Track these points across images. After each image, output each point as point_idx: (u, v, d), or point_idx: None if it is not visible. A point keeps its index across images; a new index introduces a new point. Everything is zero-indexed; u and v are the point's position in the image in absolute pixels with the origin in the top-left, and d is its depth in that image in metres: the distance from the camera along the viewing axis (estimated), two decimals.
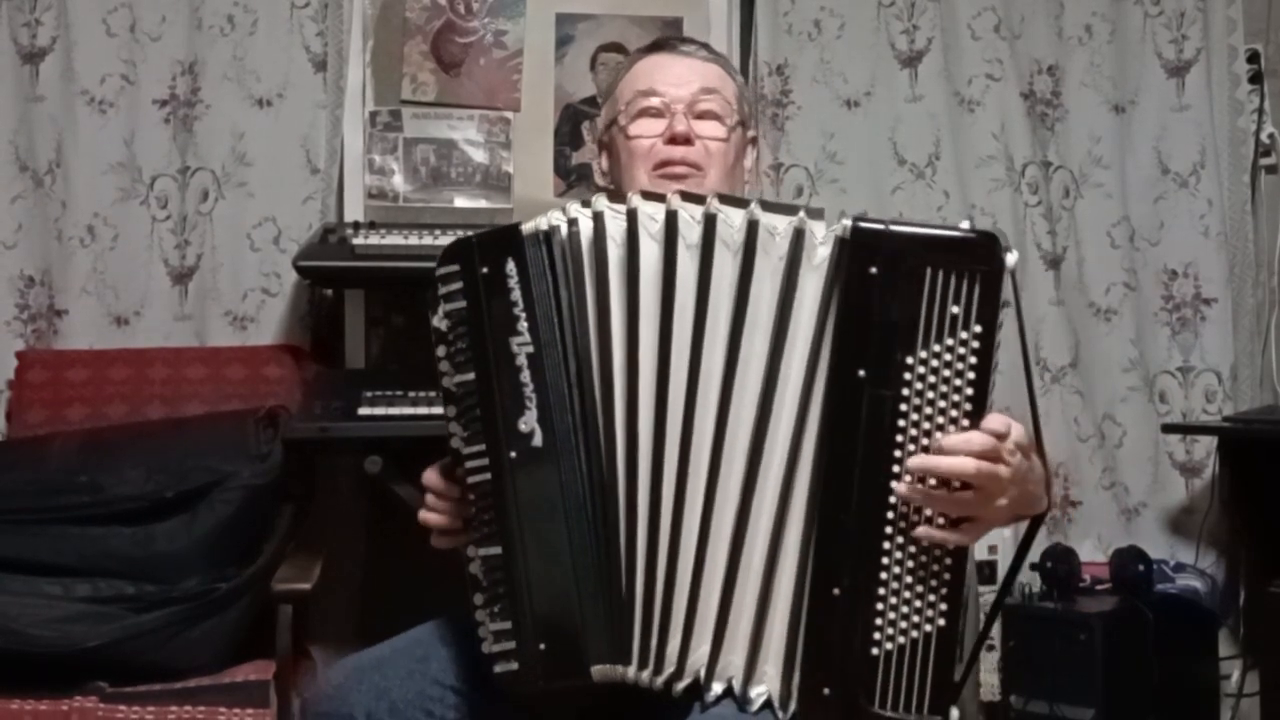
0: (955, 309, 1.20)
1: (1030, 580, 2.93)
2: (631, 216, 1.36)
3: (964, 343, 1.21)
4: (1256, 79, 3.19)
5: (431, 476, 1.53)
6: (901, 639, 1.26)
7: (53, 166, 2.83)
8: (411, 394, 2.45)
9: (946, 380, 1.22)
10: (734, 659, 1.35)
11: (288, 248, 2.84)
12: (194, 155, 2.88)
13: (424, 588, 2.59)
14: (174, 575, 2.28)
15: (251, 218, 2.88)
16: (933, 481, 1.24)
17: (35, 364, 2.75)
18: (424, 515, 1.54)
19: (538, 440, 1.38)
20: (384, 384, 2.50)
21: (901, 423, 1.23)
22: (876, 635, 1.27)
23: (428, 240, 2.56)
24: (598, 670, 1.39)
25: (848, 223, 1.27)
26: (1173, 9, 3.18)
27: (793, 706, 1.33)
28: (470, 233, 1.48)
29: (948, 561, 1.25)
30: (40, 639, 2.17)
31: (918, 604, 1.26)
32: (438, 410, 2.36)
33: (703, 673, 1.36)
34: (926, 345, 1.22)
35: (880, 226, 1.26)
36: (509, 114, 2.92)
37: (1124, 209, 3.19)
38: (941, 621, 1.25)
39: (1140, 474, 3.16)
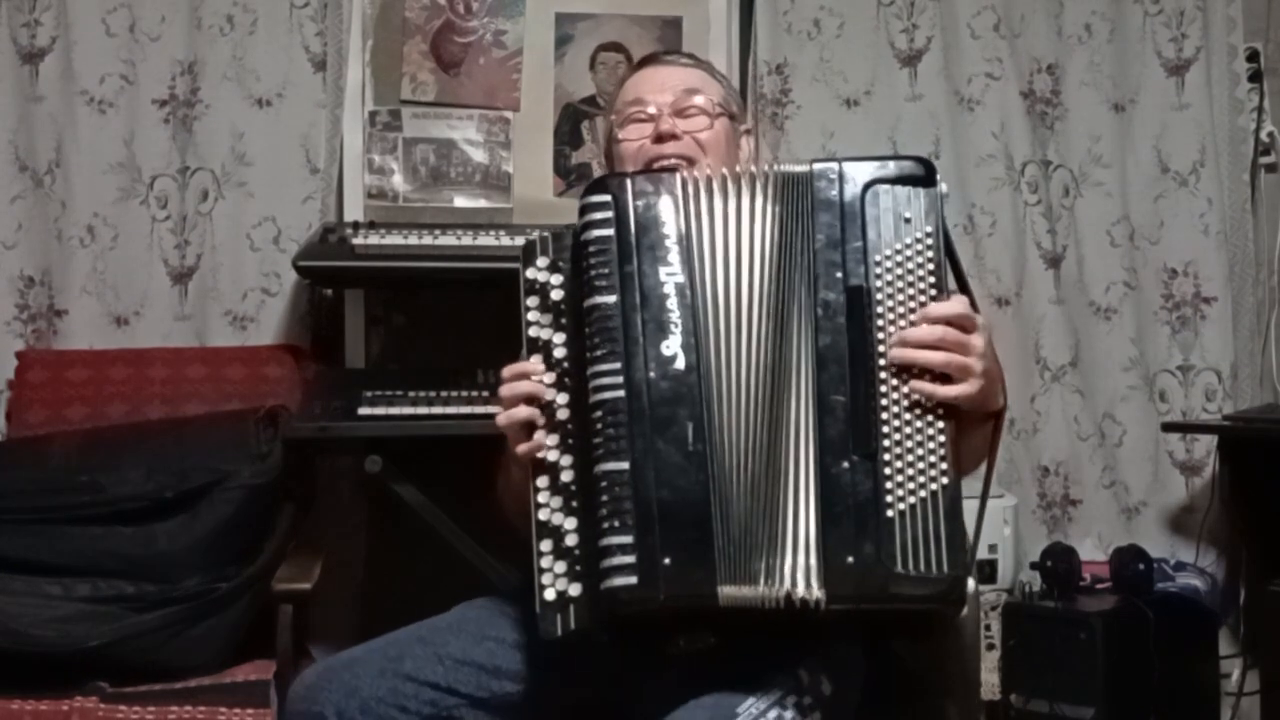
0: (908, 214, 1.50)
1: (1030, 579, 2.93)
2: (736, 178, 1.52)
3: (919, 240, 1.49)
4: (1256, 77, 3.19)
5: (516, 369, 1.55)
6: (912, 499, 1.40)
7: (52, 166, 2.83)
8: (411, 394, 2.45)
9: (911, 271, 1.48)
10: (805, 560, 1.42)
11: (287, 247, 2.85)
12: (194, 155, 2.88)
13: (424, 587, 2.59)
14: (174, 575, 2.28)
15: (251, 217, 2.89)
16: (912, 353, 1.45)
17: (35, 364, 2.75)
18: (503, 418, 1.55)
19: (680, 364, 1.47)
20: (384, 384, 2.50)
21: (880, 309, 1.47)
22: (889, 498, 1.40)
23: (427, 240, 2.57)
24: (726, 591, 1.42)
25: (835, 164, 1.53)
26: (1172, 8, 3.18)
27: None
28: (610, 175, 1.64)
29: (940, 425, 1.43)
30: (40, 639, 2.18)
31: (920, 465, 1.41)
32: (438, 410, 2.42)
33: (793, 581, 1.42)
34: (891, 245, 1.49)
35: (839, 163, 1.54)
36: (508, 113, 2.92)
37: (1124, 208, 3.19)
38: (945, 480, 1.40)
39: (1140, 473, 3.16)
